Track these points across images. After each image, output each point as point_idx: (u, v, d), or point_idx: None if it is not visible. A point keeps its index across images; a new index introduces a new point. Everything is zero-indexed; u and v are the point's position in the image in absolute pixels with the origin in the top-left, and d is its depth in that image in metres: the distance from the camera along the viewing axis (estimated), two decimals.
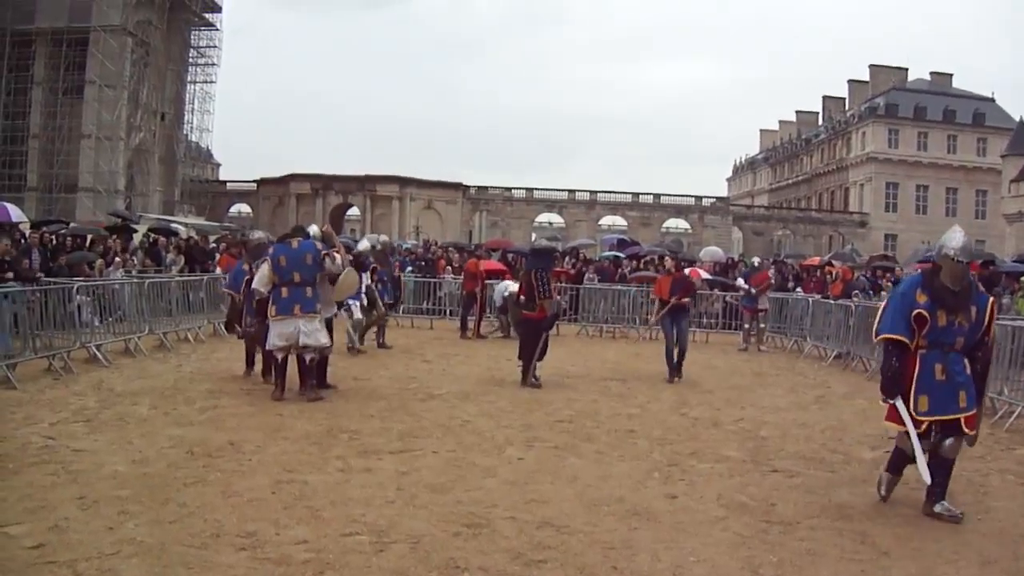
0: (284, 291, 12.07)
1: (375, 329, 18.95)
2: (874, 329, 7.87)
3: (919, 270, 10.73)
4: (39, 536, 6.14)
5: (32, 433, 9.41)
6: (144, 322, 16.95)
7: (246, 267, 13.63)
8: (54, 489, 7.34)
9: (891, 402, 7.66)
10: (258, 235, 14.65)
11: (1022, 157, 70.33)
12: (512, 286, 18.58)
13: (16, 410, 10.62)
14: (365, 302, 17.75)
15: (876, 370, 16.68)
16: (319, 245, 12.71)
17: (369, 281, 17.84)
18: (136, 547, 6.05)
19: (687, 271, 28.39)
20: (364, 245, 19.15)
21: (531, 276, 14.42)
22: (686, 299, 16.39)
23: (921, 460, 7.49)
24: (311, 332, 12.04)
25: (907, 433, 7.51)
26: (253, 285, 12.48)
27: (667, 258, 21.18)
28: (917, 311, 7.41)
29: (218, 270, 22.59)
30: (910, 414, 7.47)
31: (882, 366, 8.00)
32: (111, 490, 7.35)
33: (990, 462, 9.93)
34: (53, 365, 13.49)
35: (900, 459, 7.92)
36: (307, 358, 12.16)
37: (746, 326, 22.43)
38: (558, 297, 16.02)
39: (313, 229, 13.96)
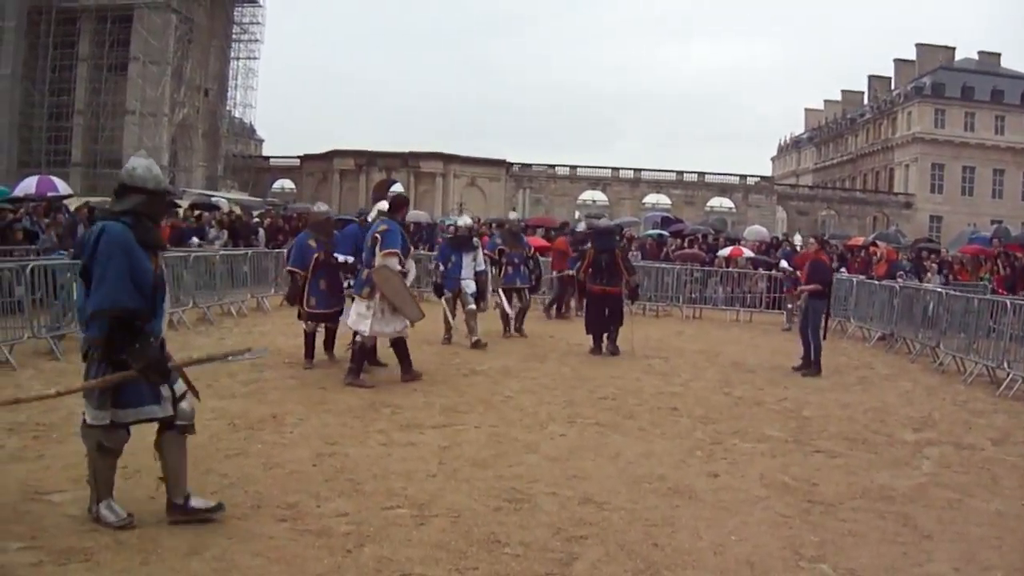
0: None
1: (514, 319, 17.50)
2: None
3: None
4: (82, 504, 6.17)
5: (77, 405, 9.45)
6: (188, 296, 17.04)
7: (312, 243, 12.90)
8: None
9: None
10: (322, 208, 13.75)
11: None
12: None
13: (60, 380, 10.66)
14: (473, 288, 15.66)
15: (920, 352, 16.60)
16: (384, 228, 11.79)
17: (483, 266, 15.99)
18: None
19: (728, 250, 28.49)
20: (464, 221, 17.53)
21: (599, 255, 15.35)
22: (813, 287, 14.82)
23: None
24: (354, 315, 11.77)
25: None
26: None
27: (811, 238, 19.81)
28: None
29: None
30: None
31: None
32: (153, 461, 7.37)
33: None
34: None
35: None
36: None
37: (789, 306, 21.98)
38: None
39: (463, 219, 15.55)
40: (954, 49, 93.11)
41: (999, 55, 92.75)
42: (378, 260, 11.20)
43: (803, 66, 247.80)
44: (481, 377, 12.44)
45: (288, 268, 13.37)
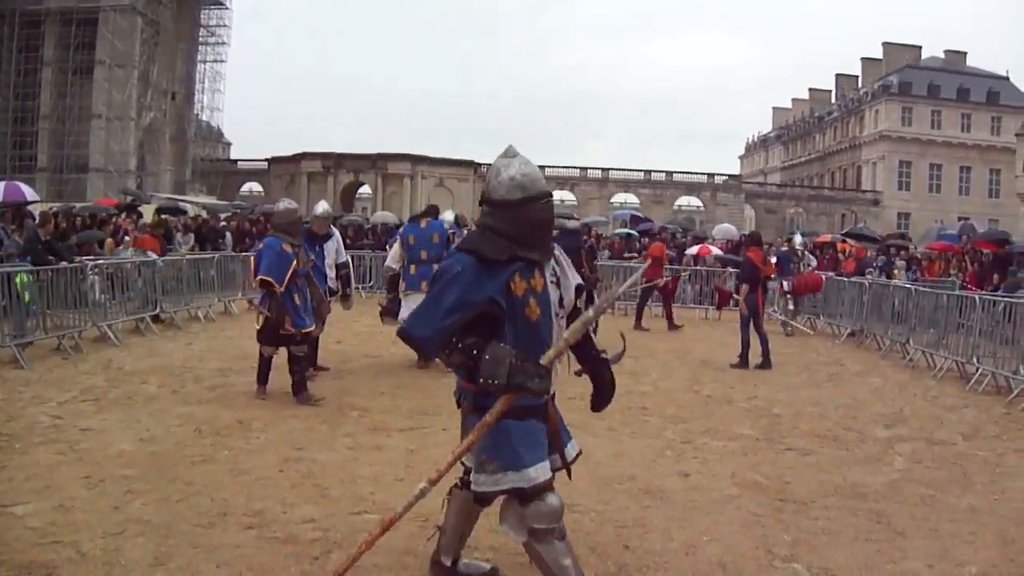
0: (412, 268, 12.72)
1: None
2: None
3: None
4: (44, 516, 6.09)
5: (40, 412, 9.37)
6: (155, 301, 16.84)
7: (287, 248, 12.05)
8: (60, 468, 7.29)
9: None
10: (291, 205, 11.72)
11: None
12: None
13: (24, 389, 10.58)
14: None
15: (890, 348, 16.65)
16: (447, 225, 13.29)
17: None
18: (142, 526, 5.99)
19: (696, 248, 28.53)
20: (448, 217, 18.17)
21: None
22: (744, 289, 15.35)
23: None
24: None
25: None
26: (386, 263, 13.22)
27: (748, 235, 19.58)
28: None
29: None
30: None
31: None
32: (118, 469, 7.30)
33: (1006, 442, 9.85)
34: (63, 344, 13.45)
35: None
36: None
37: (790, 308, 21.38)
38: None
39: (448, 214, 14.55)
40: (920, 48, 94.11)
41: (965, 54, 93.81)
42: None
43: (771, 66, 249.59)
44: (449, 378, 12.23)
45: (261, 277, 10.44)
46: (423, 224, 13.01)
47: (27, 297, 13.27)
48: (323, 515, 6.39)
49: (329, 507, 6.58)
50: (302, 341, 10.79)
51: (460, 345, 4.38)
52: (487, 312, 4.42)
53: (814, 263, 20.75)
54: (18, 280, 13.13)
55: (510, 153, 4.67)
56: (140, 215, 29.11)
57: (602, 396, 5.33)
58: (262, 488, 6.99)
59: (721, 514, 6.75)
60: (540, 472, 4.51)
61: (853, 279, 20.52)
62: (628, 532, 6.29)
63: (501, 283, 4.44)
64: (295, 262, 10.53)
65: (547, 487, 4.54)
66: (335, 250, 12.99)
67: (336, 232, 13.49)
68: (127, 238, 22.44)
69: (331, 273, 12.74)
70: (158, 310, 16.74)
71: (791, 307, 21.21)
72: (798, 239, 21.11)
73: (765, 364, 14.69)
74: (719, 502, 7.03)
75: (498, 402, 4.37)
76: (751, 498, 7.20)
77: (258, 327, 10.66)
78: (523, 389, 4.31)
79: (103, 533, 5.83)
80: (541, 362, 4.43)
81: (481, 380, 4.34)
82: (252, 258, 11.38)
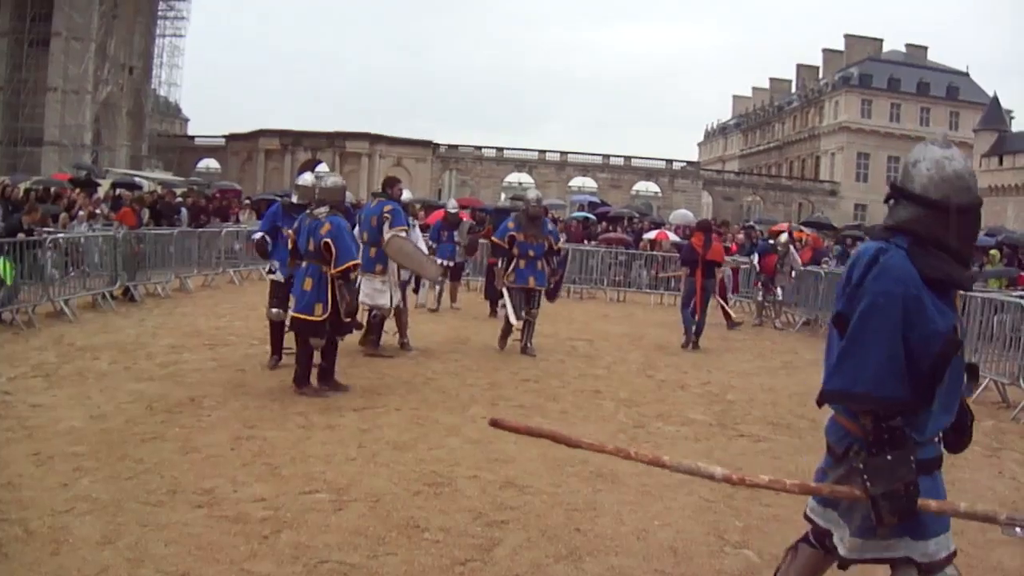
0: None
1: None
2: None
3: None
4: None
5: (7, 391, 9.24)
6: (115, 276, 16.61)
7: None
8: (8, 445, 7.19)
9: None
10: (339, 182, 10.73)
11: (994, 132, 71.03)
12: None
13: None
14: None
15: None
16: (389, 208, 12.25)
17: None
18: (90, 504, 5.93)
19: (654, 234, 28.64)
20: (451, 205, 19.48)
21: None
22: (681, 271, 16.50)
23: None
24: (370, 292, 12.01)
25: None
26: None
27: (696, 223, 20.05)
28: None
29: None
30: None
31: None
32: (67, 446, 7.22)
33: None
34: (16, 319, 13.27)
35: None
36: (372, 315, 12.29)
37: (759, 298, 20.88)
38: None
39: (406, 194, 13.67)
40: (882, 41, 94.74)
41: (926, 48, 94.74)
42: (387, 235, 11.91)
43: (732, 53, 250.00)
44: (403, 359, 12.31)
45: (351, 263, 9.59)
46: (373, 204, 12.72)
47: (9, 281, 13.18)
48: (274, 494, 6.34)
49: (280, 486, 6.53)
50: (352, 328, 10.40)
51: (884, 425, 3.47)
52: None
53: (798, 261, 20.41)
54: (0, 264, 13.06)
55: (945, 142, 3.61)
56: (95, 190, 28.89)
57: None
58: (213, 466, 6.93)
59: (673, 499, 6.77)
60: (941, 547, 3.68)
61: (809, 267, 20.61)
62: (580, 515, 6.29)
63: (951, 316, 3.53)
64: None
65: (945, 564, 3.66)
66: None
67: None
68: (81, 212, 22.25)
69: None
70: (116, 285, 16.53)
71: (770, 298, 20.53)
72: (784, 238, 20.91)
73: (687, 344, 15.36)
74: (671, 487, 7.03)
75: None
76: (703, 483, 7.17)
77: (315, 318, 9.59)
78: (879, 512, 3.45)
79: (51, 511, 5.75)
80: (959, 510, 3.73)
81: (865, 477, 3.47)
82: (291, 237, 10.15)
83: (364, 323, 11.70)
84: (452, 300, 19.14)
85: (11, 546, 5.24)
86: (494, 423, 3.75)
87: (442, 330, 15.27)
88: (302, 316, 9.61)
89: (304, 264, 9.72)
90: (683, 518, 6.33)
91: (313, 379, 9.84)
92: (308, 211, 9.92)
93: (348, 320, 9.86)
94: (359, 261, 9.89)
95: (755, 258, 21.53)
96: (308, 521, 5.85)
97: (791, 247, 20.12)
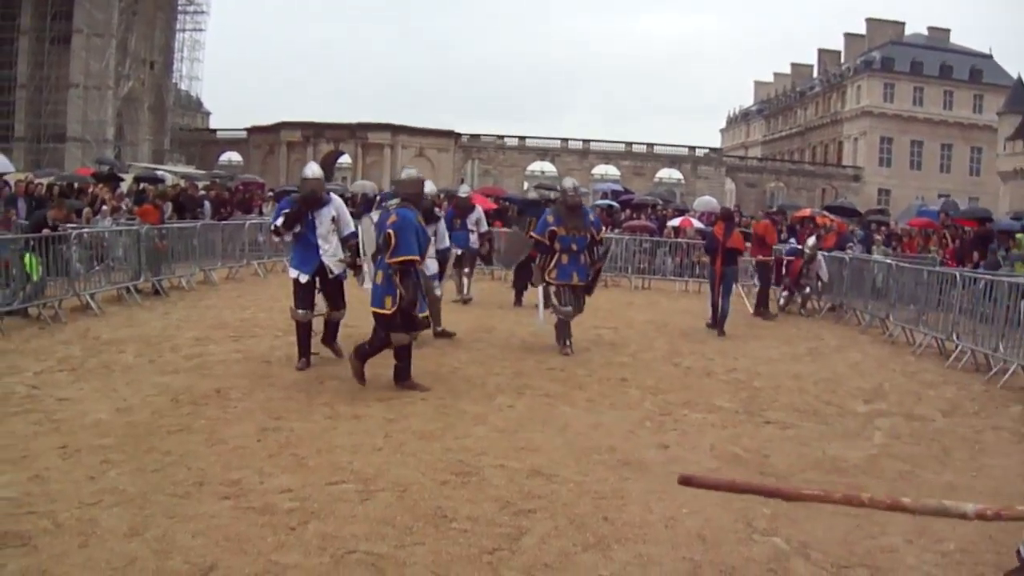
0: None
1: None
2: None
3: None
4: (20, 486, 6.04)
5: (16, 383, 9.27)
6: (139, 270, 16.69)
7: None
8: (36, 439, 7.22)
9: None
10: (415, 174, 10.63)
11: (1018, 115, 70.14)
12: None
13: (0, 359, 10.49)
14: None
15: (870, 323, 16.67)
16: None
17: (446, 242, 13.82)
18: (118, 496, 5.95)
19: (678, 221, 28.55)
20: (463, 190, 19.40)
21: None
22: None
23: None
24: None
25: None
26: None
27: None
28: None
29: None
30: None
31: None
32: (94, 439, 7.24)
33: (984, 419, 9.86)
34: (42, 314, 13.31)
35: None
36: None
37: (780, 303, 19.74)
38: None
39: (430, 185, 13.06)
40: (904, 24, 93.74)
41: (948, 31, 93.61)
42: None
43: (753, 39, 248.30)
44: (429, 348, 12.27)
45: (407, 257, 9.48)
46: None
47: (36, 276, 13.28)
48: (300, 485, 6.34)
49: (307, 476, 6.54)
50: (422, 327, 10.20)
51: None
52: None
53: (825, 268, 19.97)
54: (26, 260, 13.20)
55: None
56: (118, 184, 28.98)
57: None
58: (239, 458, 6.94)
59: None
60: None
61: (834, 253, 20.47)
62: (607, 504, 6.26)
63: None
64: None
65: None
66: (331, 219, 10.80)
67: (336, 198, 11.29)
68: (104, 207, 22.32)
69: (326, 246, 10.68)
70: (140, 280, 16.56)
71: (796, 296, 19.85)
72: (812, 241, 20.49)
73: (714, 326, 15.66)
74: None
75: None
76: (730, 471, 7.18)
77: (386, 311, 9.50)
78: None
79: (79, 503, 5.78)
80: None
81: None
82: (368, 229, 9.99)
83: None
84: (461, 291, 17.99)
85: (40, 538, 5.26)
86: (685, 481, 3.58)
87: (467, 319, 15.23)
88: (374, 309, 9.62)
89: (379, 257, 9.64)
90: (711, 505, 6.28)
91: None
92: (384, 203, 9.77)
93: (416, 316, 9.69)
94: (417, 257, 9.58)
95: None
96: (335, 511, 5.84)
97: (819, 254, 19.70)
